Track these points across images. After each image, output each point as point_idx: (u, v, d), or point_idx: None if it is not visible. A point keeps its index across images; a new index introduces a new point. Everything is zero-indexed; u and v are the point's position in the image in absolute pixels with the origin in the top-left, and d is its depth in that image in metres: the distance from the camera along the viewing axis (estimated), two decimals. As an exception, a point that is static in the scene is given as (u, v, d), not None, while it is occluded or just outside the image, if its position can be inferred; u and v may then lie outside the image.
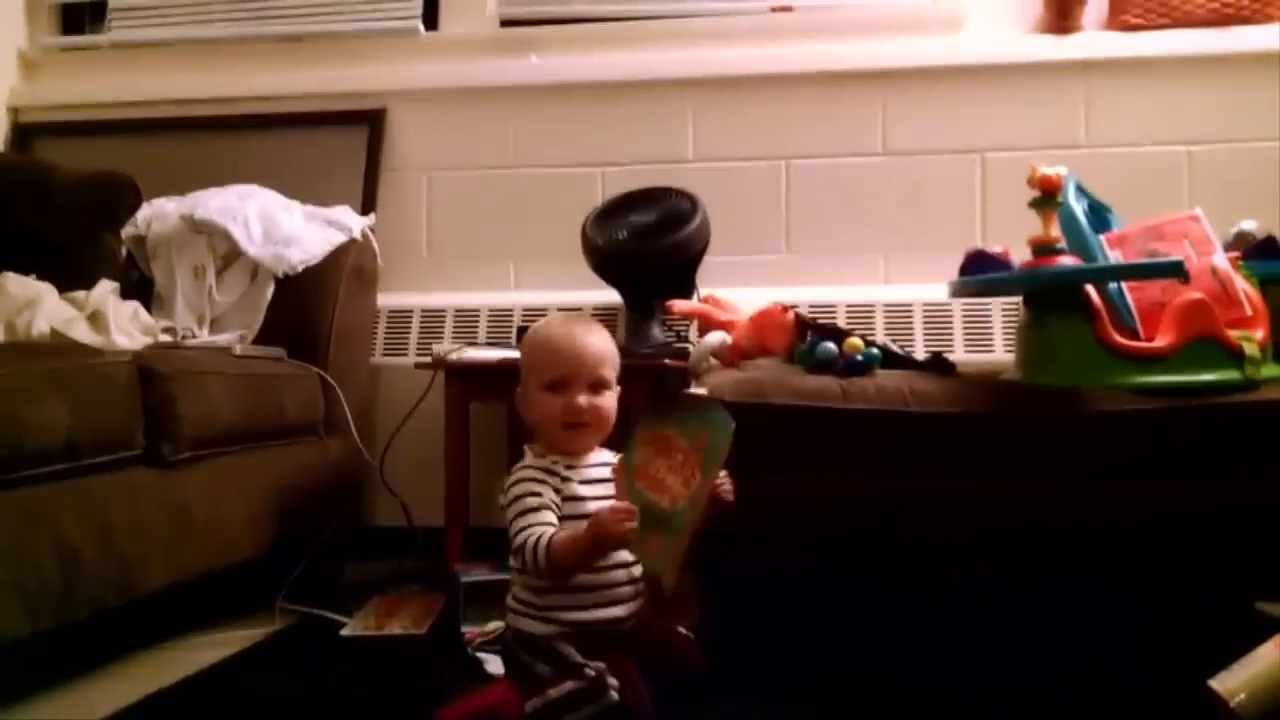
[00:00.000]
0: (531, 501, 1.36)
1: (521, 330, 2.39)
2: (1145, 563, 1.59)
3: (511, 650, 1.40)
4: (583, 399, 1.40)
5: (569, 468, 1.40)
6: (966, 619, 1.52)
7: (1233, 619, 1.80)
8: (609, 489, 1.38)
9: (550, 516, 1.35)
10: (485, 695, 1.37)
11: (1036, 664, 1.58)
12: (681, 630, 1.47)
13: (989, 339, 2.39)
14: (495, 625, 1.76)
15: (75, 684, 1.59)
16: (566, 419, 1.40)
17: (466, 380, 2.11)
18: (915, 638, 1.59)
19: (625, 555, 1.38)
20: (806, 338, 1.84)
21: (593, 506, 1.35)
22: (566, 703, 1.27)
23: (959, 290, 1.80)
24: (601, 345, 1.43)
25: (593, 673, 1.29)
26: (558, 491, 1.38)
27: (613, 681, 1.28)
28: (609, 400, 1.43)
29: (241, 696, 1.55)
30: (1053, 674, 1.55)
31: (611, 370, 1.44)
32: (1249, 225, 1.97)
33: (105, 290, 2.15)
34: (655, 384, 2.01)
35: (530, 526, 1.34)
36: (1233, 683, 1.32)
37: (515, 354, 2.13)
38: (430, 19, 2.81)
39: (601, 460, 1.44)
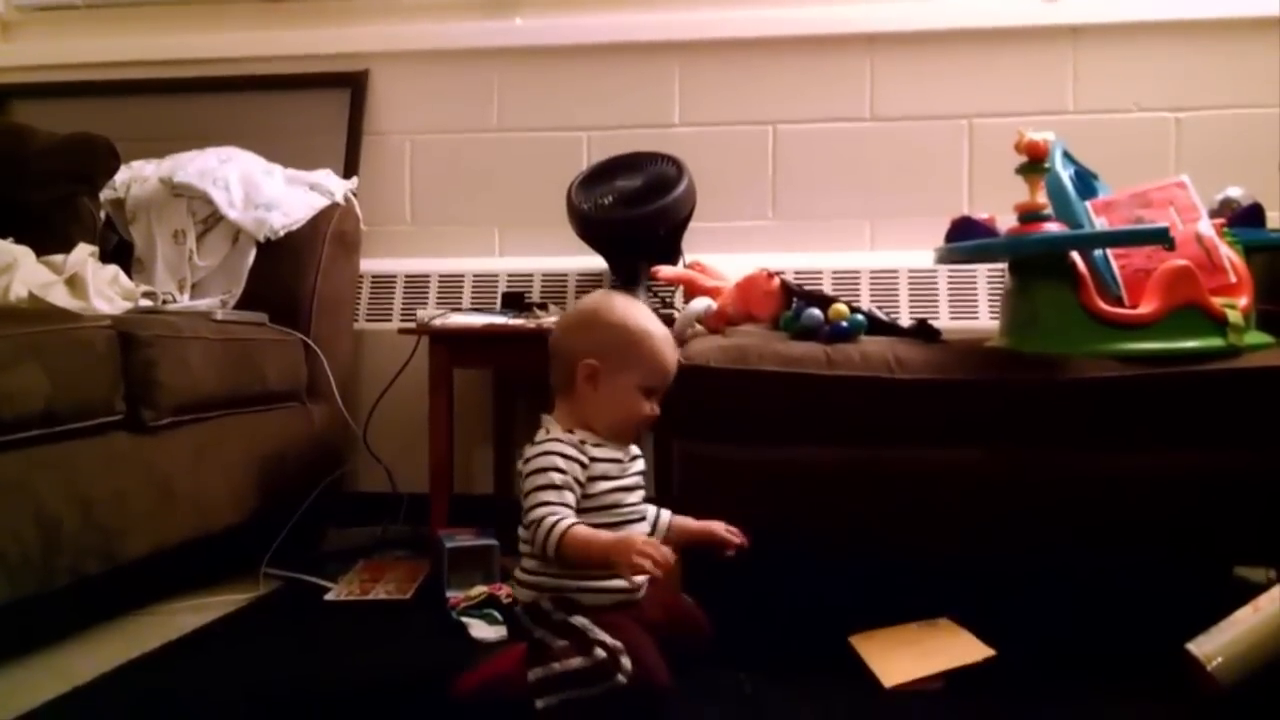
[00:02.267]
0: (556, 478, 1.34)
1: (511, 295, 2.37)
2: (1126, 529, 1.60)
3: (520, 622, 1.38)
4: (656, 408, 1.43)
5: (597, 446, 1.39)
6: (949, 584, 1.52)
7: (1211, 584, 1.82)
8: (628, 480, 1.41)
9: (571, 498, 1.34)
10: (500, 662, 1.35)
11: (1017, 630, 1.59)
12: (687, 599, 1.47)
13: (974, 306, 2.40)
14: (479, 590, 1.77)
15: (56, 650, 1.58)
16: (644, 423, 1.42)
17: (451, 346, 2.10)
18: (900, 606, 1.60)
19: (640, 527, 1.40)
20: (792, 304, 1.84)
21: (615, 483, 1.38)
22: (571, 679, 1.26)
23: (945, 257, 1.80)
24: None
25: (603, 654, 1.26)
26: (583, 470, 1.37)
27: (625, 663, 1.25)
28: None
29: (225, 661, 1.55)
30: (1034, 640, 1.56)
31: None
32: (1234, 192, 1.97)
33: (84, 254, 2.13)
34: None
35: (550, 505, 1.32)
36: (1210, 647, 1.33)
37: (499, 319, 2.14)
38: (413, -21, 2.77)
39: (634, 453, 1.46)
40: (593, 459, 1.37)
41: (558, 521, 1.29)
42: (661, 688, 1.26)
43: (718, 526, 1.45)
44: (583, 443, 1.38)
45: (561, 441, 1.37)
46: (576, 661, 1.26)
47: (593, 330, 1.42)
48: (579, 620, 1.31)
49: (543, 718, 1.25)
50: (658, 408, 1.43)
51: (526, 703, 1.26)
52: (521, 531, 1.37)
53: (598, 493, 1.37)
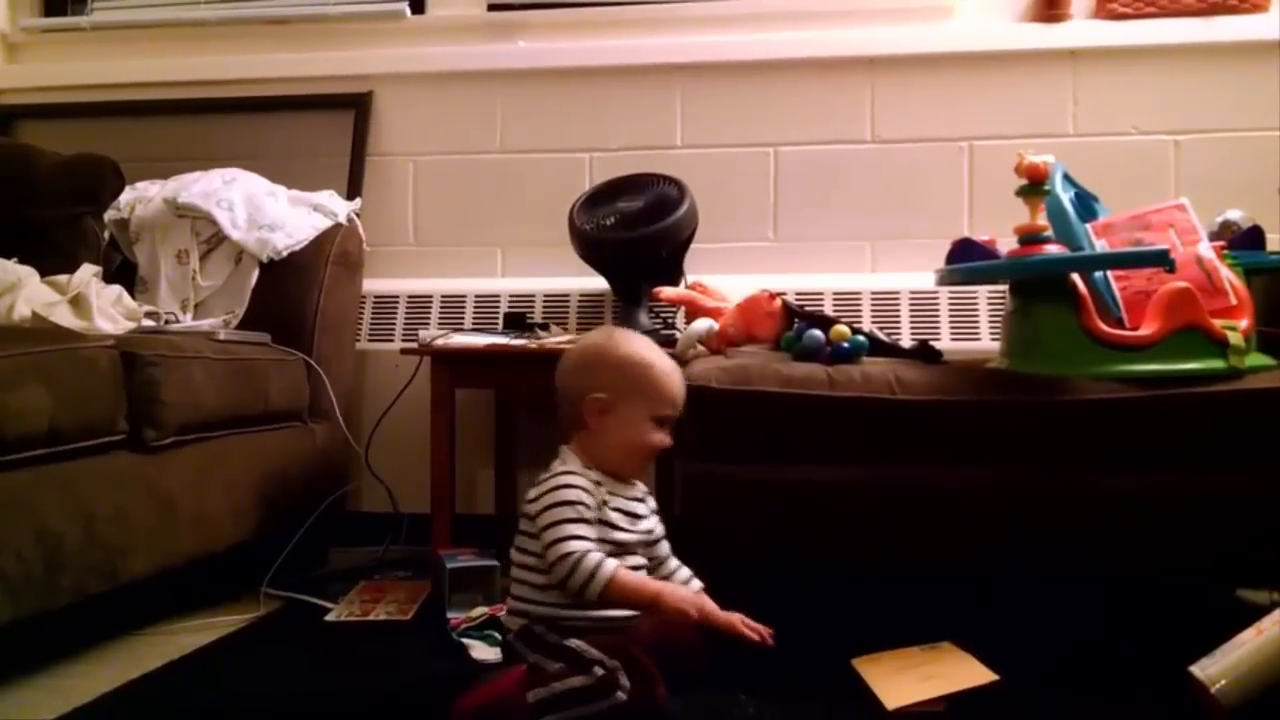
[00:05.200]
0: (585, 512, 1.37)
1: (513, 316, 2.37)
2: (1128, 550, 1.60)
3: (515, 650, 1.40)
4: (668, 438, 1.45)
5: (610, 492, 1.43)
6: (951, 606, 1.52)
7: (1213, 605, 1.82)
8: (644, 524, 1.45)
9: (593, 534, 1.38)
10: (499, 683, 1.33)
11: (1019, 651, 1.58)
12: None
13: (975, 327, 2.40)
14: (480, 611, 1.77)
15: (58, 669, 1.58)
16: (653, 452, 1.45)
17: (453, 366, 2.10)
18: (902, 626, 1.59)
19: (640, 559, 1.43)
20: (793, 325, 1.84)
21: (622, 536, 1.41)
22: (572, 697, 1.26)
23: (946, 278, 1.81)
24: None
25: (602, 671, 1.26)
26: (600, 508, 1.40)
27: (624, 682, 1.25)
28: None
29: (226, 681, 1.54)
30: (1035, 661, 1.56)
31: None
32: (1234, 215, 1.98)
33: (87, 274, 2.14)
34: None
35: (582, 540, 1.35)
36: (1214, 669, 1.33)
37: (501, 340, 2.14)
38: (417, 2, 2.79)
39: (639, 493, 1.49)
40: (606, 497, 1.41)
41: (601, 564, 1.34)
42: (660, 704, 1.27)
43: (737, 620, 1.45)
44: (598, 484, 1.41)
45: (581, 475, 1.40)
46: (576, 680, 1.27)
47: (598, 367, 1.45)
48: (573, 642, 1.32)
49: None
50: (669, 438, 1.45)
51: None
52: (522, 556, 1.38)
53: (610, 536, 1.40)
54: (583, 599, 1.36)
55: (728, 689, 1.42)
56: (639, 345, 1.47)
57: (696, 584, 1.52)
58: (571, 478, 1.39)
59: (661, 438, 1.44)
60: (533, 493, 1.43)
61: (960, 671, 1.45)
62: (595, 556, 1.35)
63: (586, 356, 1.48)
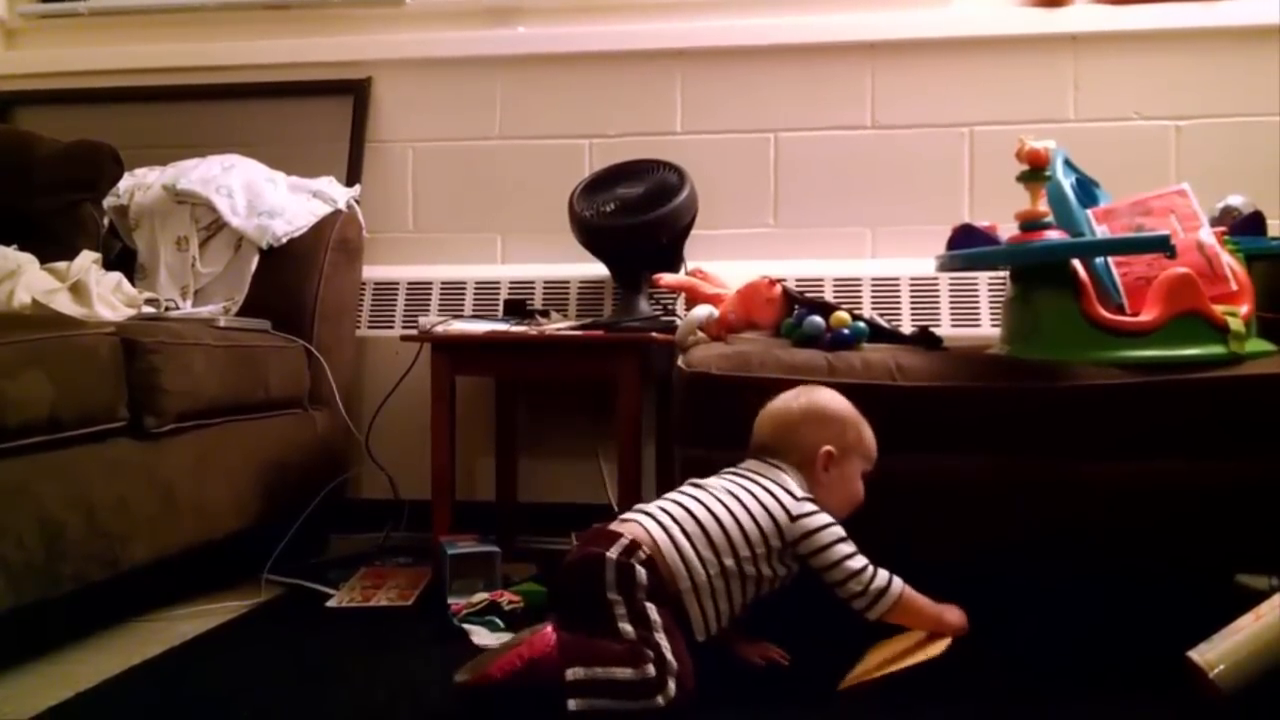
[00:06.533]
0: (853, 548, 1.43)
1: (513, 303, 2.37)
2: (1127, 535, 1.60)
3: (604, 575, 1.31)
4: None
5: None
6: (950, 592, 1.52)
7: (1212, 591, 1.82)
8: None
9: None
10: (530, 644, 1.25)
11: (1018, 637, 1.59)
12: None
13: (976, 313, 2.40)
14: (481, 597, 1.77)
15: (60, 656, 1.58)
16: (857, 506, 1.51)
17: (453, 353, 2.10)
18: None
19: None
20: (793, 311, 1.84)
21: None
22: (613, 688, 1.22)
23: (946, 264, 1.80)
24: None
25: (653, 672, 1.24)
26: None
27: (671, 687, 1.24)
28: None
29: (226, 668, 1.54)
30: (1035, 647, 1.56)
31: None
32: (1235, 200, 1.98)
33: (87, 261, 2.13)
34: (642, 358, 2.01)
35: (864, 556, 1.41)
36: (1212, 654, 1.33)
37: (501, 327, 2.14)
38: (416, -12, 2.78)
39: None
40: None
41: (892, 579, 1.40)
42: (688, 699, 1.27)
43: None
44: None
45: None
46: (625, 672, 1.23)
47: (828, 423, 1.51)
48: (654, 613, 1.29)
49: (570, 718, 1.20)
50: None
51: (556, 694, 1.20)
52: (721, 509, 1.40)
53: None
54: (871, 609, 1.40)
55: (726, 677, 1.43)
56: (850, 405, 1.54)
57: None
58: (832, 521, 1.44)
59: (862, 492, 1.52)
60: (794, 508, 1.43)
61: (913, 648, 1.44)
62: (884, 574, 1.40)
63: (820, 411, 1.52)
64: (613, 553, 1.33)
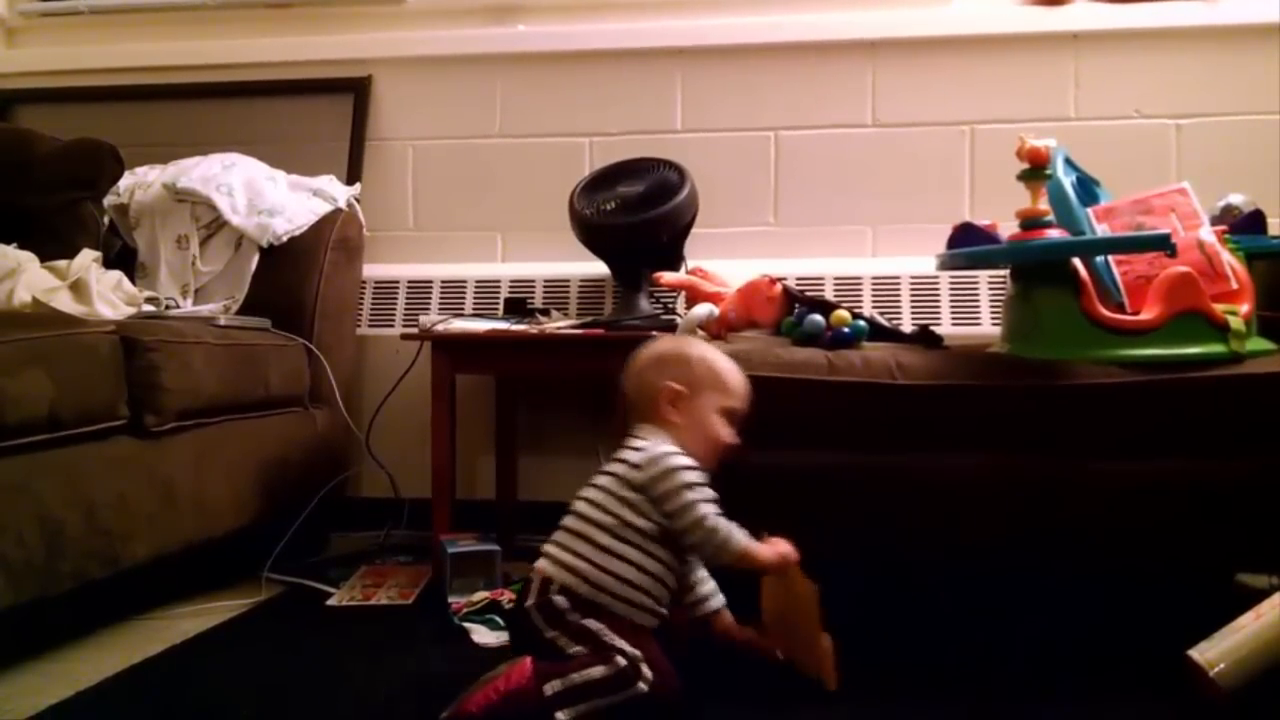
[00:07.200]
0: (708, 491, 1.39)
1: (513, 301, 2.38)
2: (1128, 534, 1.60)
3: (530, 620, 1.34)
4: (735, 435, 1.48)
5: None
6: (950, 591, 1.52)
7: (1213, 589, 1.82)
8: None
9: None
10: (508, 677, 1.26)
11: (1018, 636, 1.59)
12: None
13: (976, 312, 2.40)
14: (481, 595, 1.77)
15: (59, 654, 1.59)
16: (722, 448, 1.47)
17: (453, 352, 2.10)
18: (899, 612, 1.60)
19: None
20: (794, 310, 1.84)
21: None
22: (592, 688, 1.23)
23: (946, 263, 1.80)
24: None
25: (624, 661, 1.25)
26: None
27: (645, 671, 1.25)
28: None
29: (227, 666, 1.55)
30: (1036, 645, 1.56)
31: None
32: (1236, 199, 1.97)
33: (87, 259, 2.13)
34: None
35: (717, 511, 1.37)
36: (1212, 653, 1.33)
37: (501, 325, 2.14)
38: (416, -14, 2.77)
39: None
40: None
41: (733, 530, 1.36)
42: (677, 697, 1.27)
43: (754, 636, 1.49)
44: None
45: (685, 456, 1.40)
46: (597, 671, 1.25)
47: (672, 362, 1.48)
48: (593, 624, 1.30)
49: None
50: (735, 434, 1.48)
51: (544, 716, 1.22)
52: (600, 514, 1.38)
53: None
54: (718, 560, 1.39)
55: (727, 673, 1.43)
56: (706, 346, 1.52)
57: (720, 599, 1.51)
58: (683, 458, 1.39)
59: (730, 433, 1.47)
60: (637, 458, 1.40)
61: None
62: (732, 526, 1.37)
63: (661, 353, 1.51)
64: (530, 600, 1.36)
